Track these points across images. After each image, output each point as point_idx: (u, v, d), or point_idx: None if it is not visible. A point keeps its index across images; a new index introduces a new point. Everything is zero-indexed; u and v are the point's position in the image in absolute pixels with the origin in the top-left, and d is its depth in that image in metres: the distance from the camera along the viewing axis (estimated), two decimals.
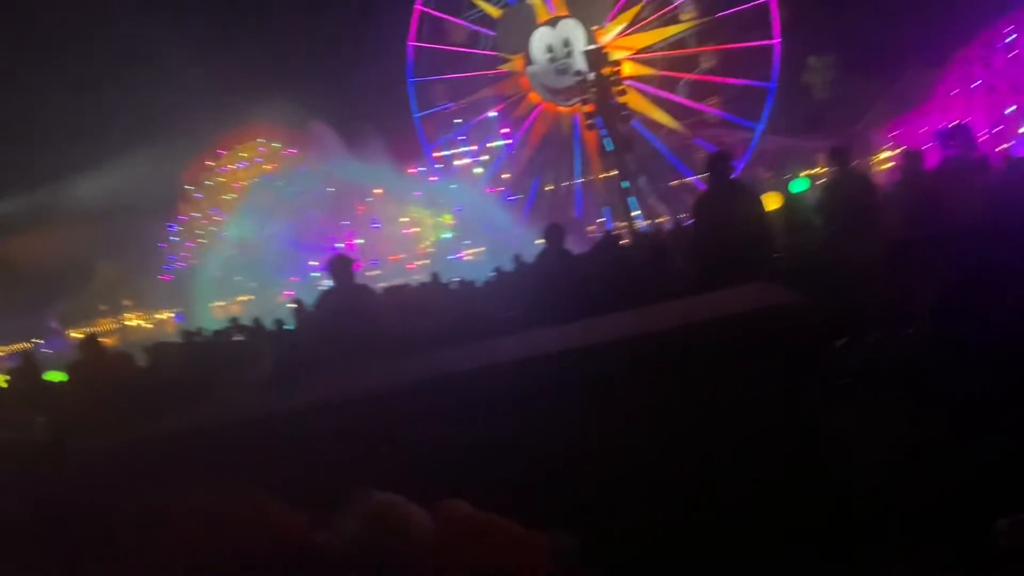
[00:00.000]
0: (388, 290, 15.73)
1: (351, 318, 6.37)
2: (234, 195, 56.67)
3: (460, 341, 5.81)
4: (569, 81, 38.18)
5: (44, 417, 9.27)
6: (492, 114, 44.46)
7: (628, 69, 37.07)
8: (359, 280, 6.95)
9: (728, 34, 38.84)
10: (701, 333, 3.21)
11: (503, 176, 45.71)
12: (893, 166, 37.05)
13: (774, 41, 36.72)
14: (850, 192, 7.77)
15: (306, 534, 1.74)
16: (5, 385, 13.89)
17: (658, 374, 3.11)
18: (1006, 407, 3.42)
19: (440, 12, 43.16)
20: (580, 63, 32.17)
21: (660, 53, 40.55)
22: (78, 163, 45.43)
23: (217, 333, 13.08)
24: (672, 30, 40.12)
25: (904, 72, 38.20)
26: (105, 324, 56.62)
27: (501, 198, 45.72)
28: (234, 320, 13.60)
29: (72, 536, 3.80)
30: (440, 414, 3.16)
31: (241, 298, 52.22)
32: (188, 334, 13.27)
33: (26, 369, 13.25)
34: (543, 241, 8.21)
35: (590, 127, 28.80)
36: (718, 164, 7.21)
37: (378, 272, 45.44)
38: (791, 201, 16.19)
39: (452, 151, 46.04)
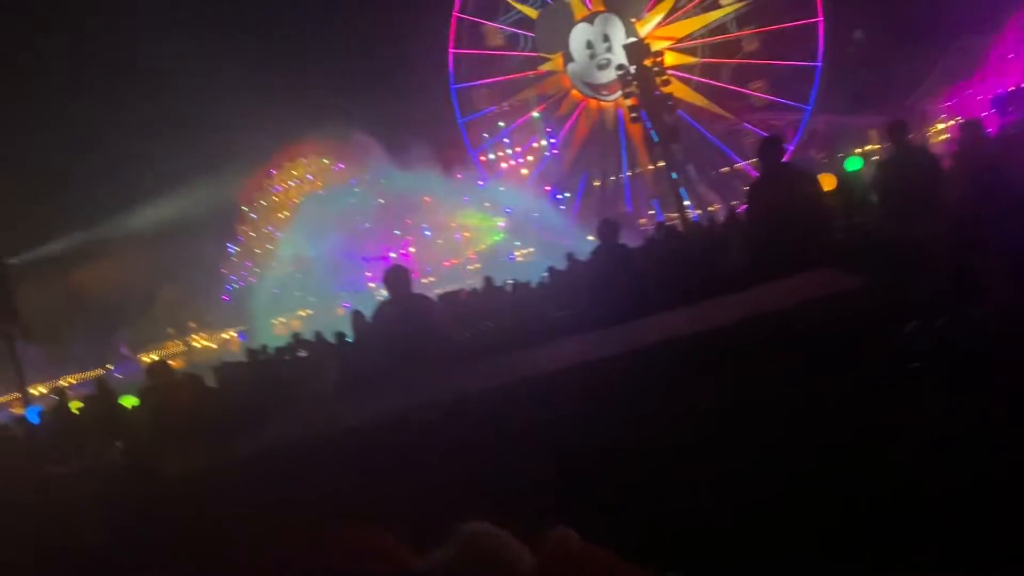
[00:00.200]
0: (443, 296, 15.85)
1: (410, 328, 6.40)
2: (288, 213, 57.69)
3: (521, 344, 5.81)
4: (610, 76, 37.93)
5: (121, 442, 9.56)
6: (535, 114, 44.45)
7: (670, 59, 36.66)
8: (415, 289, 6.97)
9: (770, 15, 38.18)
10: (775, 323, 3.16)
11: (550, 175, 45.66)
12: (949, 138, 36.05)
13: (818, 19, 35.97)
14: (910, 167, 7.56)
15: (408, 563, 1.75)
16: (79, 412, 14.34)
17: (736, 367, 3.07)
18: None
19: (477, 18, 43.30)
20: (621, 57, 31.91)
21: (701, 40, 40.05)
22: (139, 191, 46.74)
23: (280, 350, 13.30)
24: (713, 16, 39.62)
25: (954, 40, 37.12)
26: (172, 347, 58.11)
27: (549, 197, 45.68)
28: (296, 336, 13.79)
29: (158, 559, 3.89)
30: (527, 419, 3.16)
31: (301, 313, 53.11)
32: (253, 352, 13.51)
33: (101, 396, 13.67)
34: (597, 238, 8.14)
35: (634, 120, 28.50)
36: (770, 148, 7.06)
37: (432, 279, 45.81)
38: (847, 180, 15.86)
39: (498, 154, 46.15)
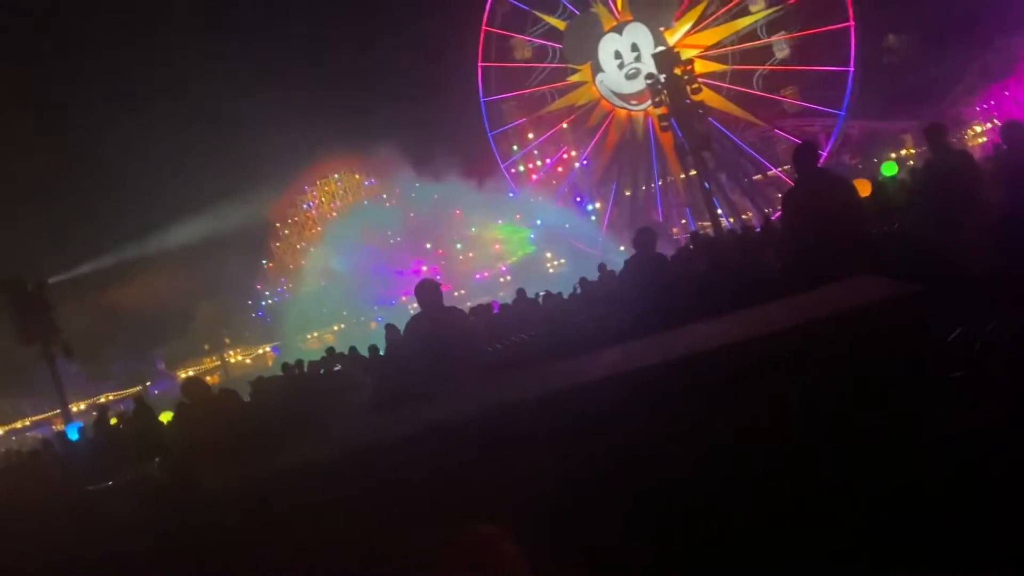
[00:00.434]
0: (475, 309, 15.84)
1: (442, 341, 6.39)
2: (321, 228, 58.28)
3: (555, 355, 5.76)
4: (640, 85, 37.79)
5: (159, 458, 9.65)
6: (565, 126, 44.47)
7: (700, 67, 36.47)
8: (447, 302, 6.96)
9: (800, 20, 37.84)
10: (814, 332, 3.09)
11: (580, 186, 45.63)
12: (987, 141, 35.48)
13: (849, 23, 35.56)
14: (949, 171, 7.40)
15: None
16: (118, 429, 14.53)
17: (777, 376, 3.00)
18: None
19: (506, 30, 43.47)
20: (650, 66, 31.76)
21: (731, 47, 39.81)
22: (176, 211, 47.54)
23: (314, 364, 13.35)
24: (742, 22, 39.35)
25: (989, 41, 36.54)
26: (208, 363, 58.87)
27: (580, 208, 45.63)
28: (331, 350, 13.84)
29: (194, 574, 3.90)
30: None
31: (335, 327, 53.58)
32: (288, 367, 13.58)
33: (139, 412, 13.84)
34: (633, 246, 8.06)
35: (665, 129, 28.36)
36: (805, 154, 6.95)
37: (463, 292, 45.97)
38: (885, 186, 15.63)
39: (528, 166, 46.22)
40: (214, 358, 59.96)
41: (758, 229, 18.48)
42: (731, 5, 39.45)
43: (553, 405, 3.29)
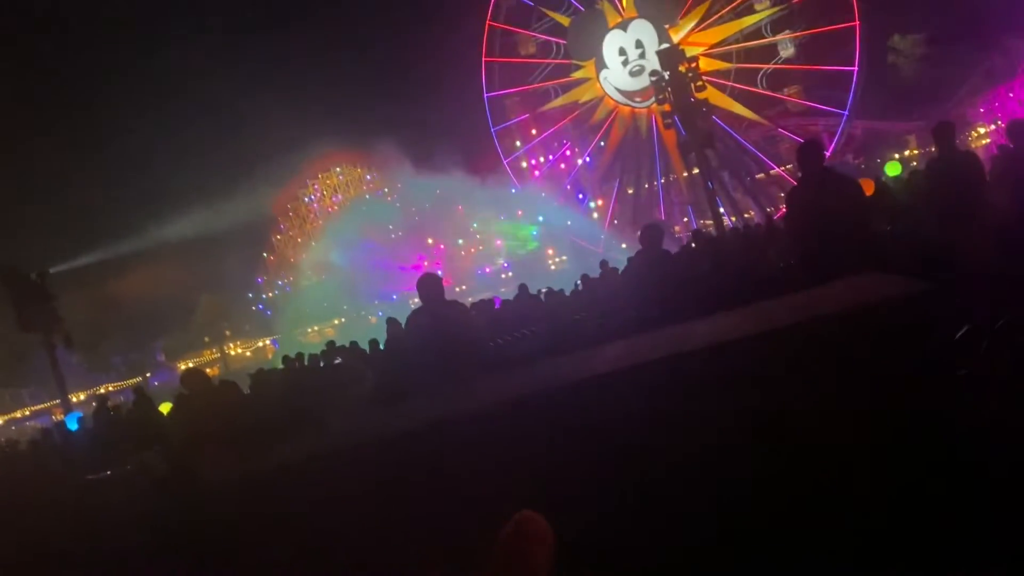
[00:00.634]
0: (476, 305, 15.80)
1: (443, 336, 6.36)
2: (322, 222, 58.25)
3: (556, 351, 5.74)
4: (644, 82, 37.71)
5: (159, 448, 9.63)
6: (568, 122, 44.38)
7: (704, 65, 36.38)
8: (448, 297, 6.92)
9: (806, 20, 37.76)
10: (818, 329, 3.07)
11: (583, 183, 45.56)
12: (990, 142, 35.40)
13: (855, 23, 35.45)
14: (956, 170, 7.37)
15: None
16: (117, 419, 14.51)
17: (779, 373, 2.98)
18: None
19: (510, 25, 43.37)
20: (654, 63, 31.67)
21: (736, 46, 39.72)
22: (177, 203, 47.52)
23: (314, 357, 13.33)
24: (747, 21, 39.25)
25: (994, 41, 36.42)
26: (208, 355, 58.87)
27: (582, 205, 45.58)
28: (331, 343, 13.81)
29: (192, 564, 3.88)
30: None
31: (335, 321, 53.59)
32: (288, 360, 13.56)
33: (139, 403, 13.84)
34: (641, 242, 8.01)
35: (668, 126, 28.34)
36: (810, 152, 6.92)
37: (465, 287, 45.96)
38: (889, 186, 15.59)
39: (530, 162, 46.15)
40: (214, 350, 59.93)
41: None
42: (736, 3, 39.35)
43: (554, 401, 3.27)
